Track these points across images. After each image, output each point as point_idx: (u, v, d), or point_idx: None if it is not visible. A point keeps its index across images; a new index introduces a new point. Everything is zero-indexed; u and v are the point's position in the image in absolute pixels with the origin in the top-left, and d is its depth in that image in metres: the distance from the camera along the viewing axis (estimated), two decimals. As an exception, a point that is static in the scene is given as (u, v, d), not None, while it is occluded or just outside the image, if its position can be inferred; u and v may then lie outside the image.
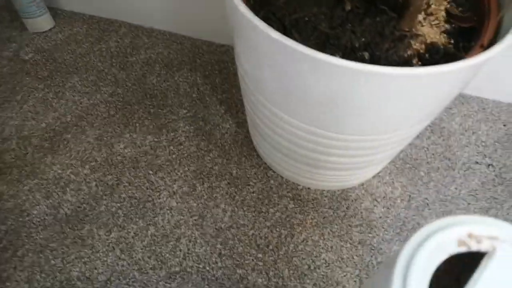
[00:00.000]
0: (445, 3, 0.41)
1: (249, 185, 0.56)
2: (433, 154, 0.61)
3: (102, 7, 0.72)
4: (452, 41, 0.40)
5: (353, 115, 0.38)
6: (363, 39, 0.37)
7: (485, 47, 0.37)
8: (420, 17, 0.38)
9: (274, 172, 0.58)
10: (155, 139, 0.60)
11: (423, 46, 0.37)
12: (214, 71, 0.68)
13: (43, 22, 0.71)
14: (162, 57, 0.69)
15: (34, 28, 0.71)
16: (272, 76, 0.39)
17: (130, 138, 0.60)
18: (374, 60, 0.37)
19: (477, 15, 0.41)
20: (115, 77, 0.66)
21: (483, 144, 0.62)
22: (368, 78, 0.32)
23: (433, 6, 0.41)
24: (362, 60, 0.37)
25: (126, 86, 0.65)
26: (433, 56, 0.37)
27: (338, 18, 0.37)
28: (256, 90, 0.46)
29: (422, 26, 0.37)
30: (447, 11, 0.41)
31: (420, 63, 0.37)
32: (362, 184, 0.58)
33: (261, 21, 0.34)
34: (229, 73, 0.68)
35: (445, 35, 0.40)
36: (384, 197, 0.57)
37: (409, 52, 0.37)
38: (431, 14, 0.40)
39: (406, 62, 0.37)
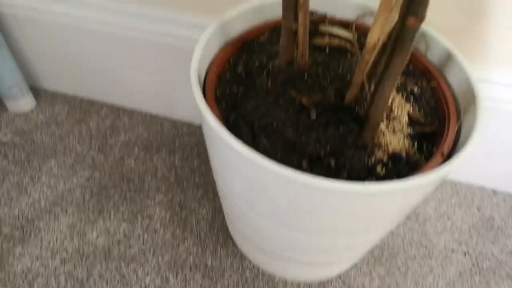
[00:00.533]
0: (408, 106, 0.43)
1: (224, 277, 0.55)
2: (409, 241, 0.61)
3: (85, 87, 0.74)
4: (416, 145, 0.41)
5: (317, 223, 0.38)
6: (328, 147, 0.38)
7: (446, 156, 0.38)
8: (383, 125, 0.39)
9: (250, 262, 0.57)
10: (130, 227, 0.59)
11: (385, 155, 0.38)
12: (193, 153, 0.68)
13: (24, 103, 0.72)
14: (141, 139, 0.69)
15: (15, 110, 0.72)
16: (239, 180, 0.40)
17: (103, 226, 0.59)
18: (340, 167, 0.38)
19: (438, 119, 0.43)
20: (93, 160, 0.66)
21: (459, 230, 0.63)
22: (325, 192, 0.33)
23: (395, 110, 0.42)
24: (328, 167, 0.38)
25: (104, 169, 0.65)
26: (396, 164, 0.38)
27: (303, 126, 0.39)
28: (224, 186, 0.46)
29: (384, 135, 0.39)
30: (409, 116, 0.42)
31: (384, 170, 0.38)
32: (340, 276, 0.57)
33: (227, 133, 0.35)
34: (207, 155, 0.68)
35: (408, 139, 0.41)
36: (361, 288, 0.56)
37: (373, 160, 0.38)
38: (394, 118, 0.42)
39: (370, 169, 0.38)
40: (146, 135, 0.70)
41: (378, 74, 0.32)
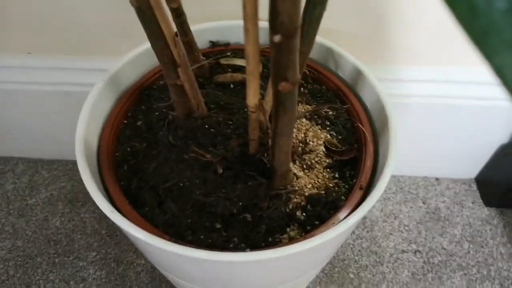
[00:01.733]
0: (324, 135, 0.41)
1: (170, 332, 0.51)
2: (359, 250, 0.59)
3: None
4: (337, 174, 0.39)
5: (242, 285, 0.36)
6: (240, 203, 0.34)
7: (364, 188, 0.36)
8: (295, 168, 0.36)
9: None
10: (63, 295, 0.54)
11: (303, 198, 0.35)
12: (125, 196, 0.64)
13: None
14: (65, 192, 0.64)
15: None
16: (154, 256, 0.36)
17: (34, 300, 0.54)
18: (257, 220, 0.34)
19: (357, 142, 0.41)
20: (13, 227, 0.60)
21: (407, 228, 0.62)
22: (232, 264, 0.30)
23: (311, 142, 0.40)
24: (244, 222, 0.35)
25: (27, 235, 0.59)
26: (315, 206, 0.35)
27: (211, 182, 0.35)
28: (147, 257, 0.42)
29: (298, 178, 0.36)
30: (326, 145, 0.40)
31: (304, 214, 0.35)
32: (293, 301, 0.55)
33: (121, 219, 0.31)
34: (140, 197, 0.64)
35: (327, 172, 0.38)
36: (317, 311, 0.54)
37: (290, 206, 0.35)
38: (310, 151, 0.39)
39: (290, 216, 0.35)
40: (69, 186, 0.65)
41: (271, 131, 0.29)
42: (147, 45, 0.44)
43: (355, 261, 0.58)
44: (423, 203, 0.65)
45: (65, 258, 0.57)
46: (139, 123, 0.41)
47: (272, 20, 0.20)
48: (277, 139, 0.29)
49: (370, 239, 0.60)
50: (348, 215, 0.34)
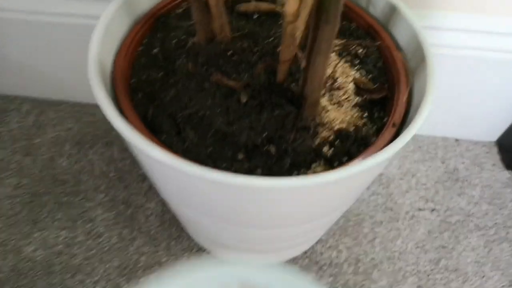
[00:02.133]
0: (353, 73, 0.38)
1: (179, 276, 0.50)
2: (374, 206, 0.57)
3: None
4: (366, 114, 0.36)
5: (266, 218, 0.34)
6: (264, 134, 0.32)
7: (398, 126, 0.33)
8: (325, 100, 0.34)
9: (208, 253, 0.53)
10: (70, 235, 0.53)
11: (331, 133, 0.33)
12: (134, 141, 0.62)
13: None
14: (72, 134, 0.62)
15: None
16: (172, 186, 0.34)
17: (40, 238, 0.53)
18: (281, 153, 0.32)
19: (388, 82, 0.38)
20: (19, 165, 0.58)
21: (424, 187, 0.60)
22: (258, 191, 0.28)
23: (339, 79, 0.37)
24: (268, 154, 0.32)
25: (33, 174, 0.58)
26: (344, 142, 0.33)
27: (234, 112, 0.33)
28: (161, 191, 0.40)
29: (327, 112, 0.33)
30: (356, 83, 0.37)
31: (331, 150, 0.33)
32: (305, 252, 0.53)
33: (142, 140, 0.29)
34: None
35: (356, 110, 0.36)
36: (330, 263, 0.53)
37: (318, 141, 0.33)
38: (339, 88, 0.37)
39: (316, 151, 0.33)
40: (77, 128, 0.62)
41: (307, 47, 0.26)
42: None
43: (370, 217, 0.56)
44: (442, 163, 0.62)
45: (72, 198, 0.56)
46: (155, 51, 0.39)
47: None
48: (313, 57, 0.26)
49: (386, 195, 0.59)
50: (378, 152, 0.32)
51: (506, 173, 0.62)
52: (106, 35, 0.36)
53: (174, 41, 0.38)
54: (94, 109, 0.64)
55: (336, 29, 0.24)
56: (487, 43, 0.51)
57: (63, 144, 0.60)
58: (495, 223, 0.57)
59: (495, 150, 0.64)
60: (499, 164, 0.63)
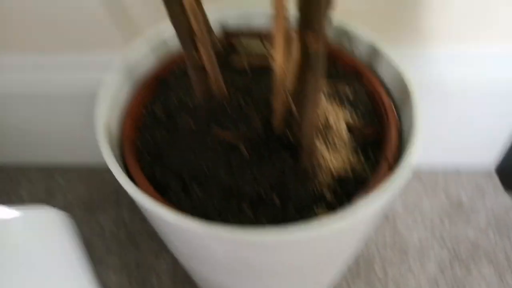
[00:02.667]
0: (344, 114, 0.40)
1: (195, 333, 0.50)
2: (383, 245, 0.58)
3: (7, 153, 0.67)
4: (361, 154, 0.38)
5: (272, 269, 0.35)
6: (267, 184, 0.34)
7: (392, 165, 0.35)
8: (320, 146, 0.36)
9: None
10: (84, 300, 0.53)
11: (330, 176, 0.35)
12: (141, 200, 0.63)
13: None
14: (82, 199, 0.64)
15: None
16: (181, 244, 0.35)
17: (54, 306, 0.53)
18: (285, 202, 0.34)
19: (378, 120, 0.40)
20: (31, 235, 0.60)
21: (430, 220, 0.60)
22: (267, 244, 0.29)
23: (332, 122, 0.39)
24: (272, 204, 0.34)
25: (45, 242, 0.59)
26: (343, 186, 0.34)
27: (236, 164, 0.35)
28: (170, 247, 0.41)
29: (324, 156, 0.35)
30: (347, 124, 0.39)
31: (331, 193, 0.34)
32: (318, 298, 0.53)
33: (145, 197, 0.31)
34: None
35: (351, 151, 0.38)
36: (344, 307, 0.53)
37: (318, 186, 0.34)
38: (332, 131, 0.39)
39: (318, 196, 0.34)
40: (86, 193, 0.64)
41: (297, 99, 0.28)
42: (162, 36, 0.44)
43: (380, 256, 0.57)
44: (445, 194, 0.63)
45: (84, 263, 0.56)
46: (158, 111, 0.41)
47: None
48: (303, 106, 0.28)
49: (394, 232, 0.59)
50: (377, 192, 0.33)
51: (507, 198, 0.62)
52: (112, 101, 0.39)
53: (175, 101, 0.41)
54: (102, 172, 0.67)
55: (322, 79, 0.27)
56: (476, 74, 0.54)
57: (74, 210, 0.62)
58: (505, 251, 0.57)
59: (494, 175, 0.66)
60: (500, 189, 0.64)
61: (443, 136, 0.62)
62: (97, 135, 0.35)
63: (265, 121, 0.35)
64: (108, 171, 0.33)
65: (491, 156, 0.65)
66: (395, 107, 0.40)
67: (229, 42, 0.44)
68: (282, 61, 0.25)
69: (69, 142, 0.64)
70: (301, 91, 0.27)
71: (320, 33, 0.22)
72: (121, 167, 0.36)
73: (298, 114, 0.29)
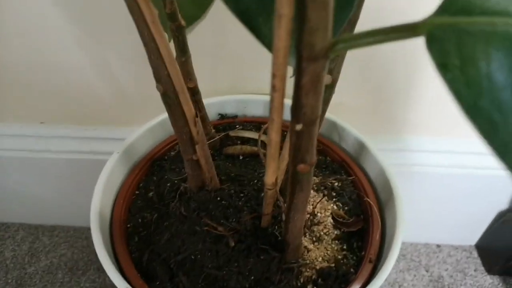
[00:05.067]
0: (331, 206, 0.42)
1: None
2: (365, 321, 0.58)
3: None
4: (345, 247, 0.39)
5: None
6: (252, 277, 0.35)
7: (374, 261, 0.36)
8: (305, 241, 0.37)
9: None
10: None
11: (314, 271, 0.36)
12: (126, 264, 0.63)
13: None
14: (65, 260, 0.63)
15: None
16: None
17: None
18: (268, 294, 0.35)
19: (363, 215, 0.42)
20: (10, 298, 0.59)
21: (412, 297, 0.61)
22: None
23: (319, 214, 0.41)
24: (256, 296, 0.35)
25: (24, 306, 0.58)
26: (326, 280, 0.35)
27: (223, 255, 0.35)
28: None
29: (309, 251, 0.36)
30: (333, 216, 0.41)
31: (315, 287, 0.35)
32: None
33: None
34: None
35: (335, 243, 0.39)
36: None
37: (302, 280, 0.35)
38: (319, 223, 0.40)
39: (302, 290, 0.35)
40: (70, 254, 0.64)
41: (286, 206, 0.30)
42: (160, 117, 0.47)
43: (362, 333, 0.57)
44: (426, 271, 0.64)
45: (63, 331, 0.55)
46: (150, 194, 0.42)
47: (295, 111, 0.22)
48: (292, 214, 0.30)
49: (376, 309, 0.59)
50: (359, 289, 0.34)
51: (488, 278, 0.64)
52: (107, 184, 0.40)
53: (167, 185, 0.42)
54: (87, 233, 0.67)
55: (309, 193, 0.28)
56: (449, 160, 0.57)
57: (56, 272, 0.61)
58: (485, 333, 0.57)
59: (475, 253, 0.67)
60: (481, 269, 0.65)
61: (426, 213, 0.64)
62: (91, 223, 0.36)
63: (254, 215, 0.36)
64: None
65: (471, 235, 0.67)
66: (379, 201, 0.42)
67: (224, 131, 0.47)
68: (274, 179, 0.27)
69: (58, 204, 0.64)
70: (289, 202, 0.28)
71: (311, 163, 0.24)
72: (110, 252, 0.37)
73: (285, 218, 0.31)
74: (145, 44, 0.25)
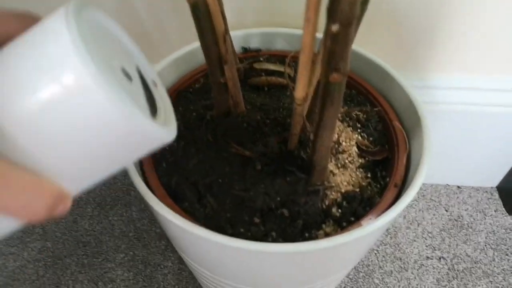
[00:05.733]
0: (356, 136, 0.42)
1: (198, 333, 0.52)
2: (383, 256, 0.60)
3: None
4: (370, 174, 0.40)
5: (278, 279, 0.36)
6: (278, 198, 0.35)
7: (399, 186, 0.37)
8: (331, 165, 0.37)
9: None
10: (92, 295, 0.55)
11: (339, 195, 0.36)
12: (151, 201, 0.65)
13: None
14: (93, 196, 0.65)
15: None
16: (190, 249, 0.37)
17: (63, 300, 0.55)
18: (294, 216, 0.35)
19: (388, 145, 0.42)
20: (43, 229, 0.62)
21: (430, 235, 0.62)
22: (274, 256, 0.31)
23: (343, 143, 0.41)
24: (282, 217, 0.36)
25: (56, 237, 0.61)
26: (351, 203, 0.36)
27: (250, 178, 0.36)
28: (178, 250, 0.43)
29: (334, 175, 0.37)
30: (358, 146, 0.41)
31: (340, 210, 0.36)
32: (318, 305, 0.55)
33: (164, 208, 0.32)
34: (166, 201, 0.65)
35: (360, 171, 0.39)
36: (343, 315, 0.54)
37: (327, 203, 0.36)
38: (343, 151, 0.40)
39: (326, 212, 0.36)
40: (97, 190, 0.66)
41: (315, 124, 0.30)
42: (183, 50, 0.46)
43: (380, 267, 0.58)
44: (446, 210, 0.65)
45: (94, 260, 0.58)
46: (177, 122, 0.43)
47: (331, 8, 0.21)
48: (321, 132, 0.30)
49: (394, 245, 0.61)
50: (383, 212, 0.35)
51: (508, 219, 0.64)
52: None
53: (193, 114, 0.43)
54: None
55: (340, 108, 0.28)
56: (474, 98, 0.55)
57: (85, 207, 0.64)
58: (502, 269, 0.58)
59: (496, 195, 0.67)
60: (502, 209, 0.65)
61: (448, 154, 0.64)
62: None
63: (280, 138, 0.37)
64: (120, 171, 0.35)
65: (493, 177, 0.67)
66: (405, 129, 0.41)
67: (250, 63, 0.46)
68: (305, 93, 0.27)
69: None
70: (319, 118, 0.28)
71: (344, 71, 0.24)
72: (139, 175, 0.38)
73: (314, 137, 0.31)
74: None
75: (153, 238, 0.61)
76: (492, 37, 0.51)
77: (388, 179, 0.39)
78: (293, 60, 0.47)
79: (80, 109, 0.18)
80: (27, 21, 0.21)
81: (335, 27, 0.21)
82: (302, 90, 0.27)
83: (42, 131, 0.18)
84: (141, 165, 0.40)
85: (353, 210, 0.36)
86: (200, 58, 0.47)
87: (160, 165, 0.40)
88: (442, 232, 0.62)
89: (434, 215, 0.64)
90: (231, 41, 0.36)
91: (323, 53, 0.24)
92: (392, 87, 0.44)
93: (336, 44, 0.23)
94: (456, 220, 0.64)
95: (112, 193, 0.66)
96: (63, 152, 0.19)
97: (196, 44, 0.46)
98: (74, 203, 0.64)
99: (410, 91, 0.41)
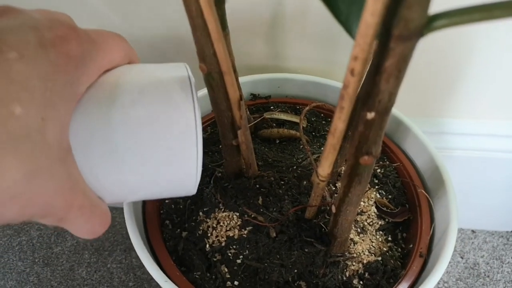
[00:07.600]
0: (374, 194, 0.39)
1: None
2: (398, 309, 0.56)
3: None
4: (390, 238, 0.37)
5: None
6: (295, 270, 0.33)
7: (425, 256, 0.34)
8: (351, 234, 0.35)
9: None
10: None
11: (360, 265, 0.34)
12: (152, 245, 0.62)
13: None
14: (91, 241, 0.62)
15: None
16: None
17: None
18: (312, 288, 0.33)
19: (408, 204, 0.39)
20: (38, 277, 0.58)
21: (446, 285, 0.59)
22: None
23: (362, 202, 0.38)
24: (299, 289, 0.33)
25: (52, 286, 0.57)
26: (373, 275, 0.33)
27: (263, 247, 0.33)
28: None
29: (355, 244, 0.34)
30: (377, 205, 0.38)
31: (361, 282, 0.33)
32: None
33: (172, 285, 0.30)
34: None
35: (381, 232, 0.37)
36: None
37: (347, 274, 0.33)
38: (362, 212, 0.38)
39: (346, 285, 0.33)
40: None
41: (337, 197, 0.28)
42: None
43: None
44: (461, 257, 0.62)
45: (91, 312, 0.55)
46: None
47: (368, 98, 0.19)
48: (344, 207, 0.27)
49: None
50: (410, 286, 0.32)
51: (526, 265, 0.61)
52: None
53: (202, 169, 0.40)
54: (112, 213, 0.65)
55: (366, 187, 0.26)
56: (489, 145, 0.53)
57: (82, 253, 0.61)
58: (524, 324, 0.55)
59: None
60: (518, 255, 0.63)
61: (462, 198, 0.61)
62: (124, 209, 0.34)
63: (298, 208, 0.34)
64: (119, 212, 0.32)
65: (508, 221, 0.64)
66: (426, 190, 0.39)
67: (259, 112, 0.44)
68: (330, 171, 0.24)
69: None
70: (343, 194, 0.26)
71: (376, 154, 0.21)
72: (143, 237, 0.35)
73: (336, 211, 0.28)
74: (191, 19, 0.23)
75: (154, 286, 0.58)
76: (508, 83, 0.49)
77: (410, 244, 0.36)
78: (304, 107, 0.45)
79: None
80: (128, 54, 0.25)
81: (370, 115, 0.19)
82: (328, 168, 0.24)
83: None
84: (144, 221, 0.37)
85: (377, 283, 0.33)
86: (207, 105, 0.44)
87: (165, 226, 0.37)
88: (458, 281, 0.59)
89: (449, 262, 0.61)
90: (246, 107, 0.33)
91: (354, 137, 0.21)
92: (411, 141, 0.42)
93: (370, 130, 0.20)
94: (472, 268, 0.61)
95: (110, 237, 0.63)
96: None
97: (203, 91, 0.44)
98: (70, 249, 0.61)
99: (431, 148, 0.39)
